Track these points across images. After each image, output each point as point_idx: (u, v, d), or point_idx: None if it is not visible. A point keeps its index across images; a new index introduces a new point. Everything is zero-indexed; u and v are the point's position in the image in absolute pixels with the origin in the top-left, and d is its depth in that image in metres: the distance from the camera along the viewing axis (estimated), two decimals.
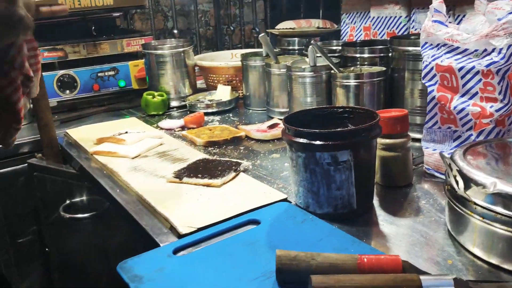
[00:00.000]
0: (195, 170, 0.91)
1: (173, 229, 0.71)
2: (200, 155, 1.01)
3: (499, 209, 0.55)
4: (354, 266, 0.53)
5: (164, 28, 2.58)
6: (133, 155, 1.03)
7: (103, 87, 1.58)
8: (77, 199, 1.21)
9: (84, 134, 1.23)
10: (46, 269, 1.42)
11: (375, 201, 0.77)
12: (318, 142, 0.67)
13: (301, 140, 0.68)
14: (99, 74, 1.56)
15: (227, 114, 1.40)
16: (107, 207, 1.08)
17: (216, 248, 0.63)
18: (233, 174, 0.88)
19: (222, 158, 0.98)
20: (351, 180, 0.69)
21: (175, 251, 0.63)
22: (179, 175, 0.89)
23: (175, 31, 2.22)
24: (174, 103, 1.51)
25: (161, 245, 0.68)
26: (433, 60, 0.79)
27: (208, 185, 0.85)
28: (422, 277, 0.49)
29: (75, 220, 1.16)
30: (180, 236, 0.69)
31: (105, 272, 1.19)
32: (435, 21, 0.79)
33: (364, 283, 0.49)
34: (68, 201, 1.21)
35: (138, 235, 0.79)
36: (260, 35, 1.29)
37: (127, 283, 0.56)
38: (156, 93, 1.44)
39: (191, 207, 0.77)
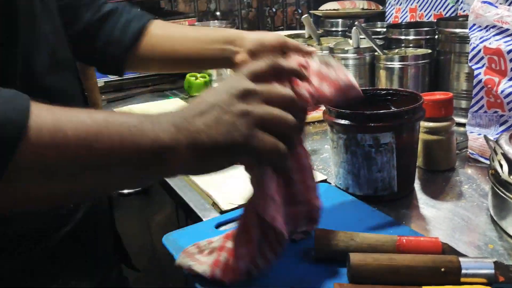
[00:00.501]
0: None
1: (215, 205, 0.73)
2: None
3: None
4: (393, 247, 0.53)
5: (207, 10, 2.60)
6: None
7: None
8: None
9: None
10: None
11: (416, 184, 0.77)
12: (359, 124, 0.67)
13: (342, 122, 0.68)
14: None
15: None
16: (152, 183, 1.13)
17: None
18: None
19: None
20: (392, 163, 0.68)
21: (218, 226, 0.65)
22: None
23: (218, 13, 2.24)
24: (216, 85, 1.53)
25: (204, 219, 0.70)
26: (481, 42, 0.77)
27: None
28: (461, 259, 0.50)
29: (121, 195, 1.21)
30: (222, 212, 0.71)
31: (147, 248, 1.24)
32: (484, 2, 0.77)
33: (403, 263, 0.50)
34: None
35: (181, 210, 0.83)
36: (303, 16, 1.28)
37: (172, 254, 0.59)
38: (198, 75, 1.47)
39: (232, 185, 0.79)
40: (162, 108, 1.25)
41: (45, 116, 0.38)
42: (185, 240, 0.62)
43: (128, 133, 0.40)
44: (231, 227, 0.66)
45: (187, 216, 0.80)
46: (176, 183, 0.84)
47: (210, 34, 0.81)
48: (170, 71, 1.39)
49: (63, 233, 0.61)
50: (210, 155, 0.44)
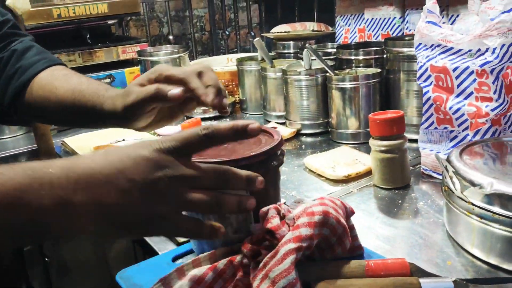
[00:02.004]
0: None
1: (171, 237, 0.71)
2: None
3: (496, 209, 0.55)
4: (362, 272, 0.52)
5: (159, 34, 2.58)
6: None
7: None
8: None
9: (81, 142, 1.23)
10: (46, 279, 1.42)
11: (373, 203, 0.77)
12: None
13: None
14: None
15: (224, 119, 1.40)
16: None
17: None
18: None
19: None
20: (250, 220, 0.57)
21: (174, 259, 0.63)
22: None
23: (171, 37, 2.23)
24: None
25: (160, 253, 0.67)
26: (428, 61, 0.79)
27: None
28: (421, 280, 0.49)
29: None
30: (178, 243, 0.68)
31: (106, 281, 1.19)
32: (428, 22, 0.80)
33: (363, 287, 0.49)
34: None
35: (137, 243, 0.79)
36: (255, 40, 1.29)
37: None
38: None
39: None
40: (115, 134, 1.22)
41: None
42: (140, 277, 0.59)
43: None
44: (188, 260, 0.63)
45: (143, 250, 0.77)
46: None
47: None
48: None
49: None
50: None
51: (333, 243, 0.53)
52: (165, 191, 0.44)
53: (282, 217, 0.53)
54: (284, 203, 0.79)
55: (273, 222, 0.51)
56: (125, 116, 0.69)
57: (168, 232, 0.47)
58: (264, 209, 0.54)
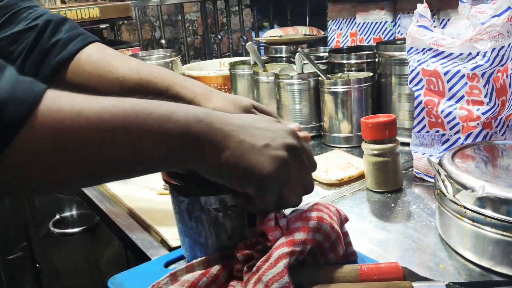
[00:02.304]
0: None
1: (164, 242, 0.70)
2: None
3: (488, 212, 0.55)
4: (356, 276, 0.52)
5: (151, 38, 2.58)
6: None
7: None
8: (67, 214, 1.20)
9: None
10: (37, 285, 1.40)
11: (366, 207, 0.77)
12: (201, 184, 0.54)
13: (183, 181, 0.55)
14: None
15: None
16: (97, 221, 1.07)
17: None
18: None
19: None
20: (244, 226, 0.56)
21: (167, 265, 0.62)
22: (166, 187, 0.88)
23: (163, 41, 2.22)
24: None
25: (152, 258, 0.67)
26: (419, 64, 0.79)
27: None
28: (414, 284, 0.49)
29: (65, 235, 1.15)
30: (171, 249, 0.68)
31: (97, 287, 1.18)
32: (420, 26, 0.80)
33: None
34: (57, 216, 1.20)
35: (129, 249, 0.79)
36: (247, 44, 1.29)
37: None
38: None
39: None
40: None
41: (64, 100, 0.36)
42: (132, 283, 0.58)
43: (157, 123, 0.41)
44: (180, 265, 0.63)
45: (135, 255, 0.76)
46: (122, 221, 0.81)
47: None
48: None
49: None
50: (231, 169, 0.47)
51: (326, 249, 0.53)
52: (294, 158, 0.49)
53: (277, 222, 0.53)
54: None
55: (268, 225, 0.51)
56: None
57: (269, 195, 0.49)
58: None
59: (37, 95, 0.35)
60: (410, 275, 0.52)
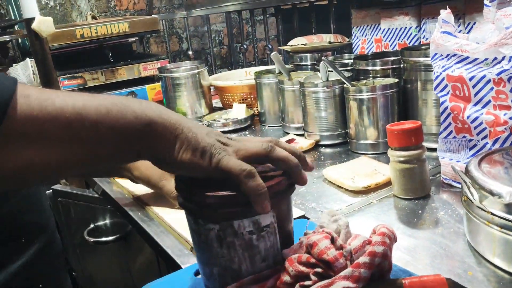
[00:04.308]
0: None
1: (193, 250, 0.72)
2: None
3: None
4: None
5: (179, 49, 2.63)
6: None
7: None
8: (101, 223, 1.24)
9: None
10: None
11: (393, 214, 0.77)
12: (236, 207, 0.51)
13: (213, 207, 0.52)
14: None
15: (244, 132, 1.41)
16: (130, 229, 1.11)
17: None
18: None
19: None
20: (276, 246, 0.55)
21: (197, 273, 0.64)
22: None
23: (190, 52, 2.27)
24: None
25: (182, 266, 0.69)
26: (444, 70, 0.79)
27: None
28: None
29: (99, 243, 1.19)
30: None
31: None
32: (443, 32, 0.80)
33: None
34: (92, 225, 1.24)
35: (160, 257, 0.81)
36: (272, 54, 1.30)
37: None
38: None
39: None
40: None
41: (31, 89, 0.40)
42: None
43: (114, 106, 0.44)
44: None
45: (166, 263, 0.78)
46: (153, 229, 0.83)
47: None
48: None
49: (15, 268, 0.61)
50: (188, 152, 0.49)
51: (375, 276, 0.53)
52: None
53: (339, 247, 0.52)
54: (304, 214, 0.79)
55: (329, 253, 0.50)
56: None
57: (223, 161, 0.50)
58: (314, 238, 0.52)
59: (14, 82, 0.40)
60: (455, 286, 0.52)
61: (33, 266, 0.68)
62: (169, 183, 0.87)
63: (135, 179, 0.91)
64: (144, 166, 0.88)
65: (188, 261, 0.70)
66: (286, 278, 0.52)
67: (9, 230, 0.68)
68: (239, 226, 0.52)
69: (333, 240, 0.52)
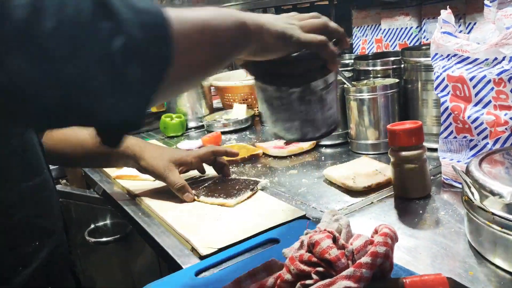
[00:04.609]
0: (214, 189, 0.93)
1: (194, 250, 0.72)
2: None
3: None
4: None
5: None
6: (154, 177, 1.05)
7: None
8: (101, 223, 1.24)
9: None
10: None
11: (394, 214, 0.77)
12: (316, 69, 0.66)
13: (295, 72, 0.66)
14: None
15: (244, 132, 1.41)
16: (130, 230, 1.11)
17: (238, 268, 0.64)
18: (249, 193, 0.90)
19: (240, 177, 1.00)
20: (336, 97, 0.70)
21: (197, 273, 0.64)
22: (197, 194, 0.91)
23: None
24: (191, 124, 1.54)
25: (183, 267, 0.69)
26: (444, 71, 0.79)
27: (222, 205, 0.87)
28: None
29: (99, 243, 1.19)
30: (201, 257, 0.70)
31: None
32: (444, 32, 0.80)
33: None
34: (92, 226, 1.24)
35: (161, 257, 0.81)
36: None
37: None
38: (174, 115, 1.47)
39: (211, 227, 0.79)
40: None
41: (169, 11, 0.45)
42: None
43: (230, 17, 0.55)
44: (212, 274, 0.64)
45: (167, 263, 0.78)
46: (154, 229, 0.83)
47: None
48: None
49: (30, 271, 0.61)
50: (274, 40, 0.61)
51: (377, 276, 0.53)
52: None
53: (341, 247, 0.52)
54: (305, 214, 0.80)
55: (331, 253, 0.50)
56: None
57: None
58: (316, 237, 0.52)
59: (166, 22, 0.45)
60: (456, 286, 0.52)
61: (44, 268, 0.69)
62: (173, 174, 0.91)
63: (141, 169, 0.94)
64: (150, 157, 0.92)
65: (189, 261, 0.70)
66: (287, 276, 0.52)
67: (26, 234, 0.70)
68: (315, 85, 0.65)
69: (335, 240, 0.52)
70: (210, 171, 1.05)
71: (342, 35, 0.69)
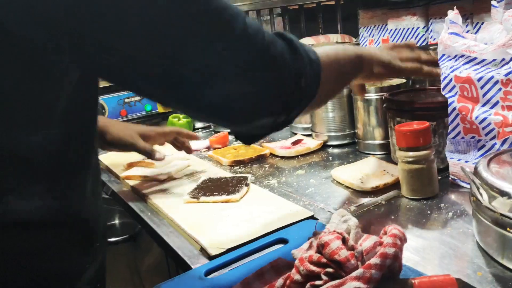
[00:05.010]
0: (208, 189, 0.94)
1: (203, 251, 0.73)
2: (222, 173, 1.03)
3: None
4: None
5: None
6: (163, 177, 1.06)
7: (130, 112, 1.63)
8: (110, 223, 1.25)
9: (114, 159, 1.27)
10: None
11: (402, 215, 0.78)
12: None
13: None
14: (126, 100, 1.61)
15: None
16: (139, 230, 1.11)
17: (247, 268, 0.64)
18: (245, 188, 0.93)
19: (226, 176, 1.02)
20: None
21: (207, 273, 0.65)
22: (195, 196, 0.91)
23: None
24: (199, 124, 1.55)
25: (192, 267, 0.69)
26: (452, 71, 0.79)
27: (227, 201, 0.88)
28: None
29: (108, 244, 1.20)
30: (210, 257, 0.70)
31: None
32: (451, 33, 0.80)
33: None
34: None
35: (170, 257, 0.82)
36: None
37: None
38: (181, 116, 1.48)
39: (219, 227, 0.79)
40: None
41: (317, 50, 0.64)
42: None
43: (350, 51, 0.74)
44: (221, 274, 0.65)
45: (176, 263, 0.79)
46: (163, 230, 0.84)
47: None
48: None
49: (91, 273, 0.62)
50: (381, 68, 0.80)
51: (386, 277, 0.53)
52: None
53: (350, 248, 0.52)
54: (313, 215, 0.80)
55: (341, 254, 0.51)
56: None
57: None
58: (325, 238, 0.53)
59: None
60: (465, 286, 0.52)
61: (101, 269, 0.68)
62: (141, 141, 1.00)
63: (107, 144, 0.99)
64: (116, 130, 0.98)
65: (198, 261, 0.71)
66: (296, 277, 0.53)
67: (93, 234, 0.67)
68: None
69: (344, 241, 0.53)
70: (216, 175, 1.05)
71: (433, 64, 0.86)
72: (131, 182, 1.08)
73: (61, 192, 0.55)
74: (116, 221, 1.24)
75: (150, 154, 0.99)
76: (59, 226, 0.55)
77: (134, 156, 1.24)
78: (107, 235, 0.73)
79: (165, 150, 1.25)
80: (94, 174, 0.63)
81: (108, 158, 1.30)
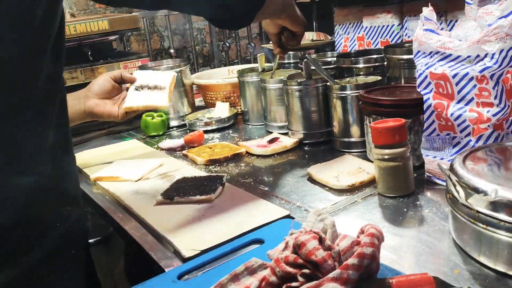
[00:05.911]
0: (182, 189, 0.91)
1: (177, 253, 0.71)
2: (197, 172, 1.01)
3: (502, 216, 0.55)
4: None
5: (160, 48, 2.60)
6: (136, 178, 1.03)
7: None
8: None
9: (86, 159, 1.23)
10: None
11: (378, 212, 0.77)
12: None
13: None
14: None
15: (227, 131, 1.40)
16: (111, 232, 1.08)
17: (221, 270, 0.62)
18: (221, 187, 0.91)
19: (200, 174, 0.99)
20: None
21: (180, 276, 0.63)
22: (169, 196, 0.88)
23: (172, 51, 2.24)
24: (173, 123, 1.52)
25: (165, 270, 0.67)
26: (427, 68, 0.79)
27: (202, 201, 0.86)
28: None
29: None
30: (184, 259, 0.68)
31: None
32: (426, 29, 0.80)
33: None
34: None
35: (142, 260, 0.79)
36: (258, 55, 1.29)
37: None
38: (155, 114, 1.45)
39: (193, 228, 0.77)
40: (120, 150, 1.23)
41: None
42: None
43: None
44: (195, 277, 0.63)
45: (148, 266, 0.77)
46: (135, 231, 0.81)
47: None
48: None
49: (33, 259, 0.61)
50: None
51: (363, 277, 0.52)
52: None
53: (327, 248, 0.51)
54: (289, 214, 0.79)
55: (318, 254, 0.49)
56: None
57: None
58: (302, 238, 0.51)
59: None
60: (442, 284, 0.52)
61: (47, 263, 0.66)
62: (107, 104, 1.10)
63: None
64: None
65: (171, 264, 0.69)
66: (272, 278, 0.51)
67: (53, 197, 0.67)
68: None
69: (321, 241, 0.51)
70: (191, 175, 1.03)
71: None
72: (102, 184, 1.04)
73: None
74: (88, 224, 1.21)
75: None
76: None
77: (106, 156, 1.21)
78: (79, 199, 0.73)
79: (134, 162, 1.22)
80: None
81: (79, 158, 1.25)
